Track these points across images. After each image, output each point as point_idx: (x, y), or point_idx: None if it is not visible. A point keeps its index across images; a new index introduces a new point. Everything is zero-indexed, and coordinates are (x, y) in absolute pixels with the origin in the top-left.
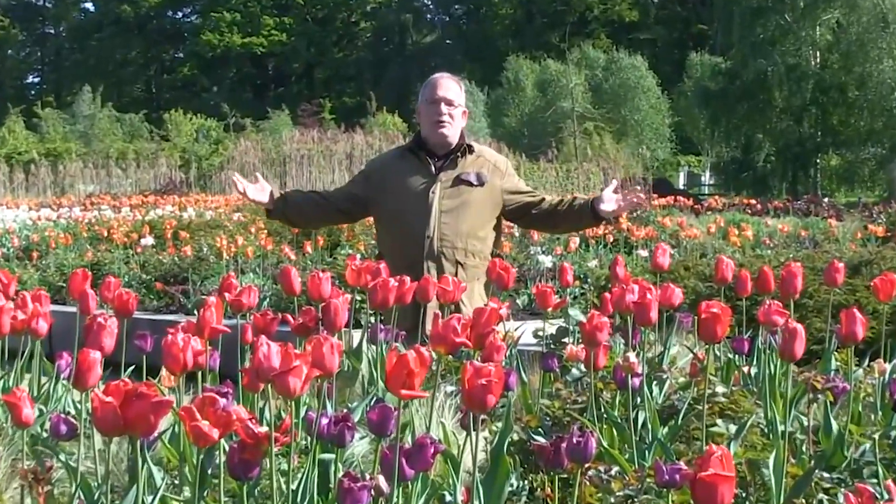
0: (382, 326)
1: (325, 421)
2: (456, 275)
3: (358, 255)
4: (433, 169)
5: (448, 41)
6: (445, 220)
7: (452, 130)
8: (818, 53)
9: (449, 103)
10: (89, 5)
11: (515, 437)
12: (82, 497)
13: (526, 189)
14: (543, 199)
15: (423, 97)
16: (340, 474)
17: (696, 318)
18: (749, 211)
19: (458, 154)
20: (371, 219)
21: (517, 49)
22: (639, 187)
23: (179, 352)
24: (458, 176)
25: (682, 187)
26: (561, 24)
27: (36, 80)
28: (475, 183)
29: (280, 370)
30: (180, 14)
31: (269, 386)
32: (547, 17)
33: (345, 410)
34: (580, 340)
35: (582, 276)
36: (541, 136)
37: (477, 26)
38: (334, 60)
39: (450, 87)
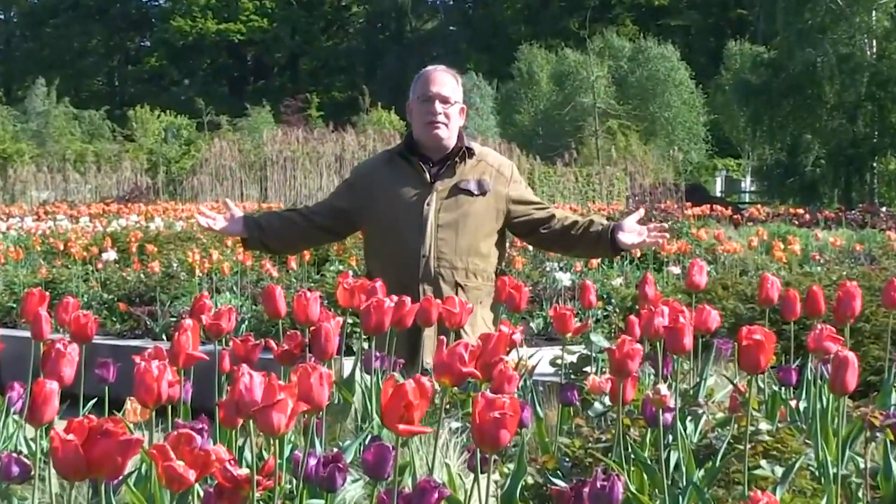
0: (378, 353)
1: (312, 462)
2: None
3: (350, 272)
4: (428, 177)
5: (452, 28)
6: (442, 237)
7: (448, 132)
8: (874, 42)
9: (444, 100)
10: None
11: (530, 480)
12: None
13: (534, 200)
14: (553, 217)
15: (415, 93)
16: None
17: (736, 344)
18: (796, 222)
19: (457, 159)
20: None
21: (531, 37)
22: (666, 224)
23: (154, 381)
24: (456, 184)
25: (719, 195)
26: (581, 7)
27: None
28: (476, 192)
29: (262, 404)
30: None
31: (250, 422)
32: (564, 1)
33: (335, 450)
34: (604, 370)
35: (605, 296)
36: (558, 135)
37: (485, 11)
38: (322, 49)
39: (445, 81)
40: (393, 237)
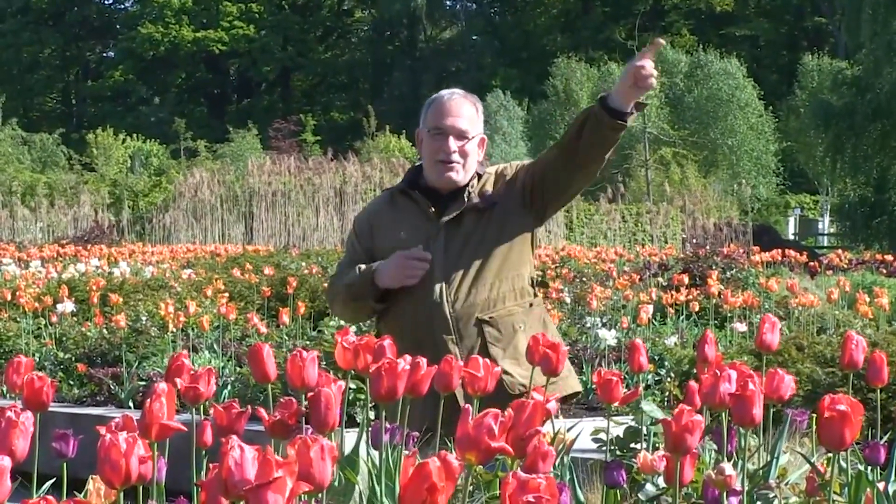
0: (388, 425)
1: None
2: (484, 340)
3: (352, 328)
4: (433, 211)
5: (474, 37)
6: (455, 275)
7: (464, 173)
8: None
9: (461, 135)
10: None
11: None
12: None
13: (528, 162)
14: (552, 147)
15: (425, 122)
16: None
17: (814, 415)
18: (884, 270)
19: (468, 188)
20: None
21: (568, 48)
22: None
23: (121, 457)
24: (462, 212)
25: (792, 237)
26: (627, 14)
27: None
28: (484, 207)
29: (256, 483)
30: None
31: None
32: (609, 6)
33: None
34: (657, 445)
35: (657, 357)
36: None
37: (514, 18)
38: (319, 62)
39: (462, 112)
40: (399, 290)
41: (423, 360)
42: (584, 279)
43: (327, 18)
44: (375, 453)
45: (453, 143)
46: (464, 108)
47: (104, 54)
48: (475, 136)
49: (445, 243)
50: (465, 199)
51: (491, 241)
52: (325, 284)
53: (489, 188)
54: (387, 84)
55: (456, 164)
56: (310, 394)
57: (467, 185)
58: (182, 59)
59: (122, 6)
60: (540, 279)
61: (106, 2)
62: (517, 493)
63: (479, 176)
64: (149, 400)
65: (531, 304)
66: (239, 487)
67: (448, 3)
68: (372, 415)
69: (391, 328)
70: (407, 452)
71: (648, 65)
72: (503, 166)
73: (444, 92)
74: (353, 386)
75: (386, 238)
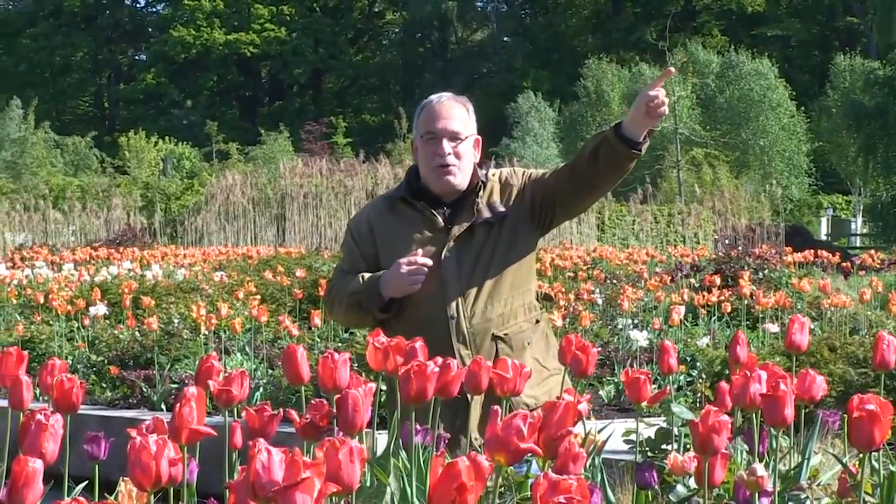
0: (419, 427)
1: None
2: (497, 356)
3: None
4: (440, 221)
5: (505, 39)
6: (469, 289)
7: (461, 174)
8: None
9: (453, 137)
10: None
11: None
12: None
13: (543, 172)
14: (563, 166)
15: (418, 130)
16: None
17: (845, 416)
18: None
19: (473, 196)
20: None
21: (599, 49)
22: (673, 69)
23: (152, 460)
24: (472, 224)
25: (824, 238)
26: (659, 15)
27: None
28: (494, 220)
29: (284, 485)
30: (142, 2)
31: None
32: (640, 7)
33: None
34: (688, 446)
35: (689, 358)
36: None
37: (545, 19)
38: (350, 65)
39: (452, 113)
40: (409, 301)
41: (453, 363)
42: (616, 280)
43: (358, 20)
44: (406, 455)
45: (447, 146)
46: (454, 110)
47: (136, 57)
48: (468, 137)
49: (458, 256)
50: (475, 211)
51: (503, 254)
52: (326, 290)
53: (497, 198)
54: (418, 86)
55: (452, 167)
56: (339, 396)
57: (473, 192)
58: (214, 61)
59: (154, 9)
60: (543, 293)
61: (138, 5)
62: (548, 493)
63: (485, 185)
64: (178, 404)
65: (537, 321)
66: (267, 489)
67: (479, 4)
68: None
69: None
70: (436, 454)
71: (661, 94)
72: (506, 173)
73: (434, 96)
74: (384, 388)
75: (391, 246)
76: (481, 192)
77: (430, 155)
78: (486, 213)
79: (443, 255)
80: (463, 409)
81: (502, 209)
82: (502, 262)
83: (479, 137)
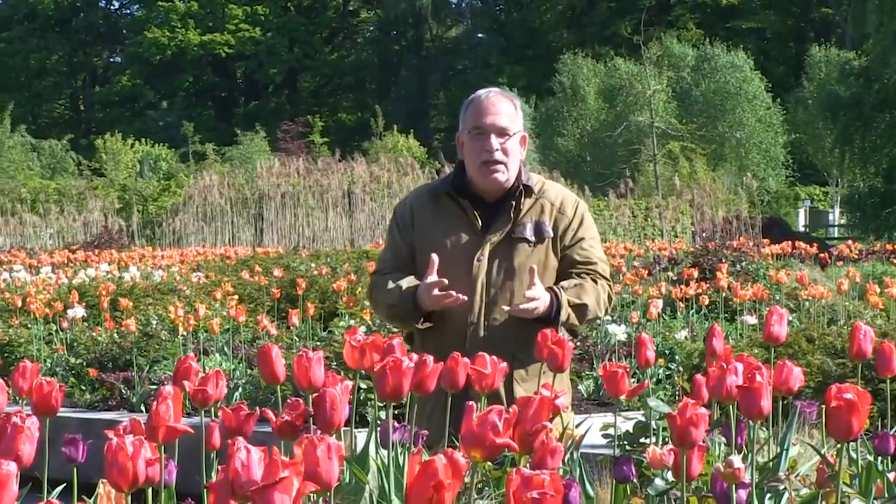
0: (396, 424)
1: None
2: (511, 376)
3: (361, 328)
4: (479, 224)
5: (480, 35)
6: (495, 299)
7: (508, 173)
8: None
9: (502, 133)
10: None
11: None
12: None
13: (577, 259)
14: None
15: (465, 125)
16: None
17: (823, 406)
18: (894, 261)
19: (512, 202)
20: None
21: (574, 44)
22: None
23: (128, 460)
24: (510, 233)
25: (802, 229)
26: (633, 9)
27: None
28: (533, 239)
29: (262, 484)
30: (116, 4)
31: None
32: (615, 2)
33: None
34: (666, 440)
35: (668, 352)
36: (609, 161)
37: (519, 15)
38: (326, 63)
39: (501, 109)
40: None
41: (429, 358)
42: None
43: (333, 19)
44: (384, 452)
45: (495, 142)
46: (502, 105)
47: (111, 59)
48: (516, 133)
49: (491, 264)
50: (511, 215)
51: (533, 276)
52: (368, 284)
53: (546, 219)
54: (394, 84)
55: (500, 165)
56: (315, 395)
57: (514, 195)
58: (189, 62)
59: (128, 11)
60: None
61: (112, 7)
62: (522, 489)
63: (528, 189)
64: (155, 403)
65: None
66: (246, 488)
67: (453, 1)
68: (382, 414)
69: (423, 338)
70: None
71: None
72: (563, 200)
73: (482, 91)
74: (363, 385)
75: (428, 238)
76: (522, 197)
77: (477, 150)
78: (530, 232)
79: (476, 259)
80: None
81: (550, 233)
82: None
83: (526, 134)
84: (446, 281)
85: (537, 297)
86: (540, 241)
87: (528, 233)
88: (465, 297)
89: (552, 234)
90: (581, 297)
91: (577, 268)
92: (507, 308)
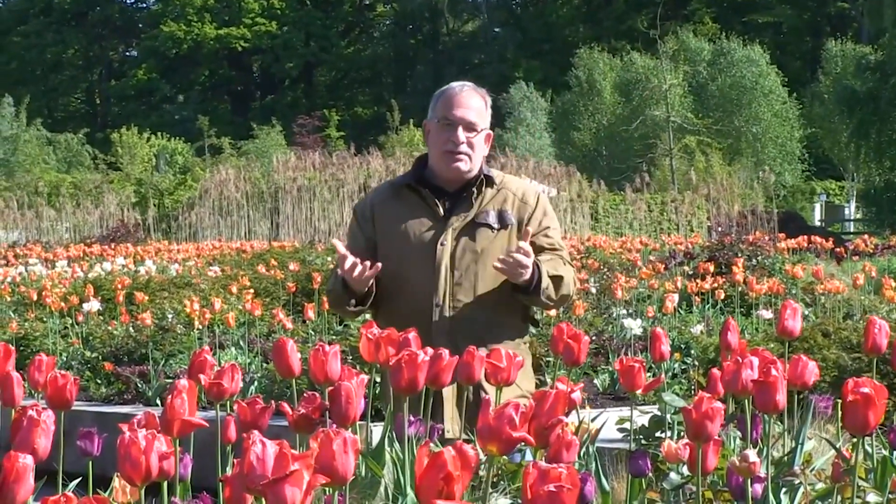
0: (412, 418)
1: None
2: None
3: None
4: (441, 211)
5: (496, 29)
6: (459, 282)
7: (471, 164)
8: None
9: (470, 127)
10: None
11: None
12: None
13: (549, 245)
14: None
15: (435, 113)
16: None
17: (838, 401)
18: None
19: (474, 189)
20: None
21: (590, 39)
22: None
23: (141, 454)
24: (473, 219)
25: (818, 224)
26: (650, 3)
27: None
28: (496, 226)
29: (273, 478)
30: None
31: (259, 500)
32: None
33: None
34: (681, 434)
35: (683, 346)
36: (625, 156)
37: (536, 9)
38: (342, 57)
39: (471, 104)
40: (399, 284)
41: (445, 351)
42: (610, 269)
43: (349, 13)
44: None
45: (462, 135)
46: (473, 101)
47: (127, 53)
48: (483, 130)
49: (454, 249)
50: (472, 202)
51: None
52: (316, 283)
53: (509, 208)
54: (409, 78)
55: (464, 156)
56: (331, 388)
57: (475, 184)
58: (205, 56)
59: (144, 5)
60: (534, 323)
61: (128, 1)
62: (538, 482)
63: (489, 179)
64: (170, 396)
65: (524, 347)
66: (257, 482)
67: None
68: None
69: (388, 324)
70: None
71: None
72: (524, 191)
73: (455, 84)
74: (379, 379)
75: (390, 230)
76: (483, 186)
77: (443, 140)
78: (493, 218)
79: (439, 243)
80: (432, 402)
81: (513, 221)
82: (493, 272)
83: (491, 133)
84: (359, 260)
85: (530, 254)
86: (503, 227)
87: (492, 219)
88: (376, 265)
89: (514, 223)
90: (558, 270)
91: (544, 254)
92: (498, 261)
